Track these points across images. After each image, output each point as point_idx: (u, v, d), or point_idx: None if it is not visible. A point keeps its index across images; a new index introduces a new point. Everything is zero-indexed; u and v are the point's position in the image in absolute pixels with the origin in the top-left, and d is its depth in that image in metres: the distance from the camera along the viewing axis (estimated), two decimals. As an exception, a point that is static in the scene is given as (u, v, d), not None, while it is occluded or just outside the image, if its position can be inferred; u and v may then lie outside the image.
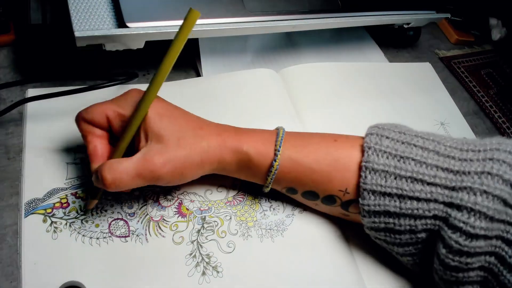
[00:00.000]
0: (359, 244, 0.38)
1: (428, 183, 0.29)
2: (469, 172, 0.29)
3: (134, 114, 0.29)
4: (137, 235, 0.33)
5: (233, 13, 0.40)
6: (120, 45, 0.36)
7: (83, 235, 0.32)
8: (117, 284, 0.30)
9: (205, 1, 0.39)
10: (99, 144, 0.30)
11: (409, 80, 0.56)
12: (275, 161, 0.32)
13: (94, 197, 0.32)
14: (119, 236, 0.33)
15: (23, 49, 0.42)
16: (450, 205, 0.29)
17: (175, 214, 0.35)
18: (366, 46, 0.59)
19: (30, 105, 0.37)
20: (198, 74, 0.46)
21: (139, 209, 0.34)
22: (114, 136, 0.32)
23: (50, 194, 0.33)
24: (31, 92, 0.37)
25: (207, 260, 0.33)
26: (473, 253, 0.28)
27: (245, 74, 0.46)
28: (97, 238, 0.32)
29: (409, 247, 0.32)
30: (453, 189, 0.29)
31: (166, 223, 0.34)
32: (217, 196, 0.37)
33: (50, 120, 0.37)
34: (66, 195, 0.33)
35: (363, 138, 0.33)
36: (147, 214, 0.34)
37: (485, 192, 0.28)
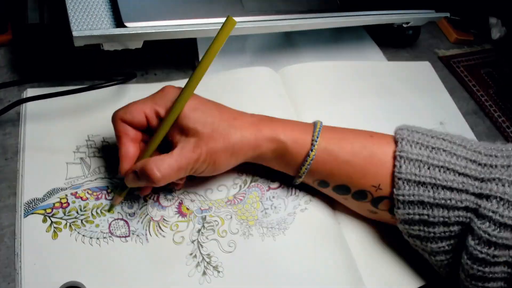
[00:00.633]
0: (360, 242, 0.38)
1: (460, 173, 0.31)
2: (496, 166, 0.31)
3: (170, 111, 0.30)
4: (137, 235, 0.33)
5: (231, 13, 0.40)
6: (118, 44, 0.36)
7: (83, 235, 0.32)
8: (117, 284, 0.30)
9: (203, 1, 0.39)
10: (131, 146, 0.31)
11: (408, 79, 0.55)
12: (311, 150, 0.33)
13: (120, 194, 0.33)
14: (119, 236, 0.32)
15: (20, 49, 0.42)
16: (480, 196, 0.30)
17: (176, 213, 0.35)
18: (365, 45, 0.59)
19: (29, 105, 0.37)
20: (197, 74, 0.46)
21: (139, 209, 0.34)
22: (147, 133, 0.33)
23: (50, 194, 0.33)
24: (30, 92, 0.37)
25: (207, 260, 0.33)
26: (501, 244, 0.28)
27: (244, 72, 0.46)
28: (97, 238, 0.32)
29: (443, 243, 0.32)
30: (482, 180, 0.30)
31: (167, 223, 0.34)
32: (218, 195, 0.37)
33: (50, 119, 0.37)
34: (66, 195, 0.33)
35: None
36: (147, 214, 0.34)
37: None
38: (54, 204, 0.32)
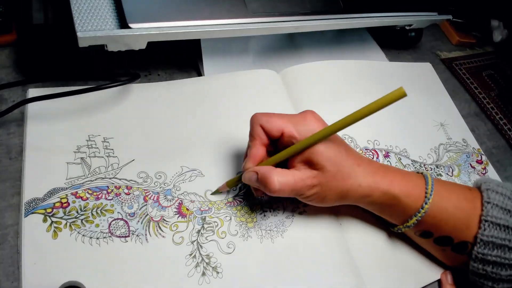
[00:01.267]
0: (358, 246, 0.38)
1: None
2: None
3: (306, 140, 0.32)
4: (137, 235, 0.33)
5: (235, 14, 0.40)
6: (122, 45, 0.36)
7: (83, 235, 0.32)
8: (117, 284, 0.30)
9: (207, 2, 0.39)
10: (260, 149, 0.34)
11: (409, 80, 0.56)
12: (425, 204, 0.34)
13: (230, 183, 0.36)
14: (119, 236, 0.33)
15: (25, 49, 0.42)
16: None
17: (175, 214, 0.35)
18: (367, 47, 0.59)
19: (31, 105, 0.37)
20: (200, 75, 0.46)
21: (139, 209, 0.34)
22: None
23: (51, 194, 0.33)
24: (32, 92, 0.37)
25: (207, 260, 0.33)
26: None
27: (246, 75, 0.46)
28: (97, 238, 0.32)
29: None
30: None
31: (166, 223, 0.34)
32: (217, 197, 0.37)
33: (51, 119, 0.37)
34: (66, 195, 0.33)
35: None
36: (147, 214, 0.34)
37: None
38: (54, 204, 0.33)
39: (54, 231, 0.31)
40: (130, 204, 0.34)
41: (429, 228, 0.35)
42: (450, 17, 0.59)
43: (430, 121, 0.52)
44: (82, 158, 0.35)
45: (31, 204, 0.32)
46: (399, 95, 0.28)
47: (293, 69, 0.49)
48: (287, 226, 0.37)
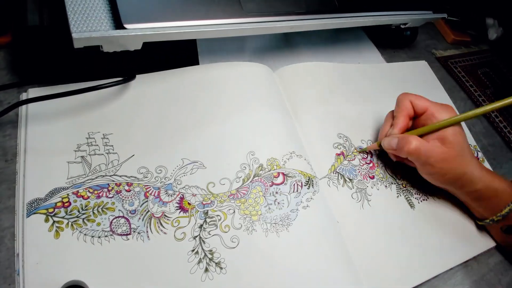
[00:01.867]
0: (358, 241, 0.38)
1: None
2: None
3: (445, 121, 0.39)
4: (139, 233, 0.33)
5: (230, 14, 0.40)
6: (118, 46, 0.36)
7: (85, 234, 0.32)
8: (119, 283, 0.30)
9: (202, 2, 0.39)
10: (405, 120, 0.41)
11: (405, 79, 0.56)
12: None
13: (373, 146, 0.44)
14: (121, 234, 0.32)
15: (20, 50, 0.42)
16: None
17: (177, 209, 0.35)
18: (363, 46, 0.59)
19: (30, 105, 0.37)
20: (196, 75, 0.46)
21: (140, 206, 0.34)
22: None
23: (52, 193, 0.33)
24: (31, 92, 0.37)
25: (210, 256, 0.33)
26: None
27: (243, 66, 0.45)
28: (99, 237, 0.32)
29: None
30: None
31: (168, 219, 0.34)
32: (220, 189, 0.36)
33: (50, 119, 0.37)
34: (68, 194, 0.33)
35: None
36: (148, 210, 0.34)
37: None
38: (56, 203, 0.32)
39: (56, 231, 0.31)
40: (131, 201, 0.34)
41: None
42: (445, 15, 0.59)
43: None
44: (82, 157, 0.35)
45: (33, 205, 0.32)
46: None
47: (289, 68, 0.49)
48: (292, 220, 0.36)
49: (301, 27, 0.44)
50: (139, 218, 0.34)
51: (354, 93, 0.50)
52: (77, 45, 0.34)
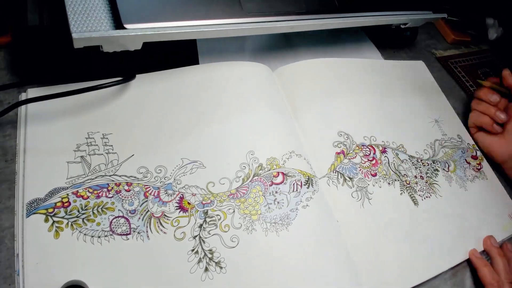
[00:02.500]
0: (357, 241, 0.38)
1: None
2: None
3: None
4: (138, 232, 0.33)
5: (230, 14, 0.40)
6: (118, 46, 0.36)
7: (85, 234, 0.32)
8: (119, 283, 0.30)
9: (202, 2, 0.39)
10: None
11: (403, 77, 0.56)
12: None
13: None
14: (120, 234, 0.32)
15: (20, 50, 0.42)
16: None
17: (177, 209, 0.35)
18: (363, 46, 0.59)
19: (29, 106, 0.37)
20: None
21: (140, 206, 0.34)
22: None
23: (52, 193, 0.33)
24: (30, 92, 0.37)
25: (210, 255, 0.33)
26: None
27: (243, 66, 0.45)
28: (99, 237, 0.32)
29: None
30: None
31: (168, 219, 0.34)
32: (220, 189, 0.37)
33: (50, 119, 0.37)
34: (67, 194, 0.33)
35: None
36: (148, 210, 0.34)
37: None
38: (55, 203, 0.32)
39: (56, 231, 0.31)
40: (130, 201, 0.34)
41: None
42: (445, 15, 0.59)
43: (424, 117, 0.53)
44: (82, 157, 0.35)
45: (33, 205, 0.32)
46: None
47: (288, 67, 0.49)
48: (292, 219, 0.36)
49: (301, 27, 0.44)
50: (139, 218, 0.34)
51: (352, 91, 0.50)
52: (77, 45, 0.34)
